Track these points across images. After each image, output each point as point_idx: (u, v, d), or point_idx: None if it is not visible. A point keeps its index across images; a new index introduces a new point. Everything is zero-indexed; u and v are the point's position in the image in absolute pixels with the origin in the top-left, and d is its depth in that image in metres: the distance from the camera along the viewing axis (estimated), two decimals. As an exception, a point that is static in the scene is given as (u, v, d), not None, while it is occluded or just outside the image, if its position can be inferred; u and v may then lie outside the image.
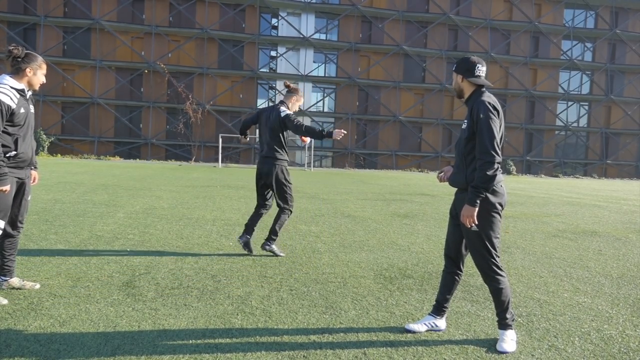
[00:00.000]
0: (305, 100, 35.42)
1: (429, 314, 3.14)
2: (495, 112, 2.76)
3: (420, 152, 37.18)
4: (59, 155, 32.13)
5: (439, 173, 3.19)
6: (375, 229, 7.12)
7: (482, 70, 2.91)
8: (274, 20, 36.65)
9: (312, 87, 36.29)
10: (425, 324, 3.08)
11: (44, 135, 31.61)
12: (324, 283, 4.08)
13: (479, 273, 4.60)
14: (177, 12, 34.18)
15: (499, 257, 2.88)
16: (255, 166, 5.25)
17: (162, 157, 34.29)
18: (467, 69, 2.91)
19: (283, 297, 3.65)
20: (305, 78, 35.27)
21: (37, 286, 3.59)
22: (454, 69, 2.98)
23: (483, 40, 37.04)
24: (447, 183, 3.37)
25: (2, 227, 3.23)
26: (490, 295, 3.92)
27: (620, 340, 3.08)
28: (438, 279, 4.35)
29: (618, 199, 15.22)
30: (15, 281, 3.52)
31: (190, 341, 2.77)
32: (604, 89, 38.69)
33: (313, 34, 35.68)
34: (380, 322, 3.22)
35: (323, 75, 36.53)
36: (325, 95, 36.58)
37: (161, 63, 33.20)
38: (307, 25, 35.70)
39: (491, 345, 2.89)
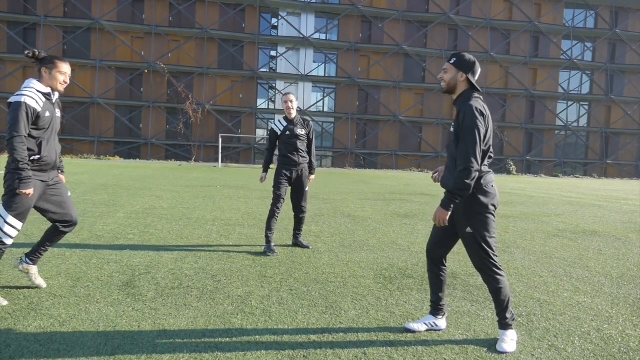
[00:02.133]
0: (306, 100, 35.43)
1: (429, 314, 3.15)
2: (481, 119, 2.74)
3: (421, 152, 37.17)
4: (59, 155, 32.11)
5: (434, 173, 3.21)
6: (375, 229, 7.12)
7: (478, 74, 2.93)
8: (274, 20, 36.64)
9: (312, 87, 36.28)
10: (425, 323, 3.09)
11: (44, 135, 31.62)
12: (324, 283, 4.08)
13: (479, 273, 4.62)
14: (177, 12, 34.18)
15: (497, 256, 2.89)
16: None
17: (162, 157, 34.29)
18: (470, 68, 2.88)
19: (283, 297, 3.65)
20: (305, 78, 35.26)
21: (44, 285, 3.62)
22: (454, 63, 2.88)
23: (483, 40, 37.04)
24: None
25: (20, 228, 3.24)
26: (490, 295, 3.92)
27: (620, 340, 3.08)
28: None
29: (618, 198, 15.22)
30: (33, 270, 3.57)
31: (190, 341, 2.76)
32: (604, 88, 38.68)
33: (313, 34, 35.68)
34: (380, 322, 3.22)
35: (323, 75, 36.52)
36: (325, 95, 36.57)
37: (161, 63, 33.20)
38: (307, 25, 35.70)
39: (491, 345, 2.89)
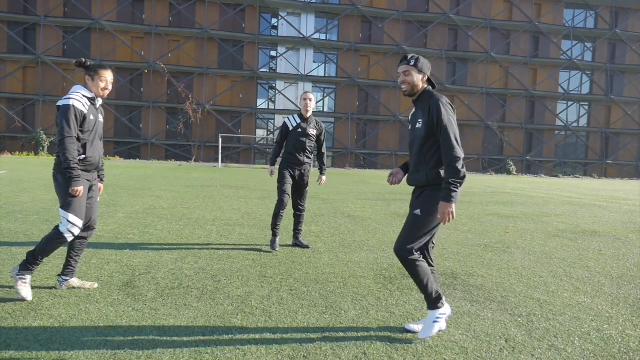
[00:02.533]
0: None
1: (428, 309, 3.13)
2: (452, 111, 2.90)
3: (420, 152, 37.13)
4: (59, 155, 32.11)
5: (390, 176, 3.19)
6: (375, 229, 7.12)
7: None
8: (274, 20, 36.65)
9: (312, 87, 36.29)
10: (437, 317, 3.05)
11: (44, 135, 31.62)
12: (324, 283, 4.08)
13: (479, 273, 4.62)
14: (177, 12, 34.19)
15: (419, 248, 2.96)
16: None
17: (162, 157, 34.29)
18: (428, 67, 3.01)
19: (283, 297, 3.65)
20: (305, 78, 35.27)
21: (96, 285, 3.68)
22: (415, 64, 2.94)
23: (483, 40, 37.04)
24: (397, 185, 3.40)
25: (80, 225, 3.42)
26: (489, 295, 3.92)
27: (620, 340, 3.08)
28: (438, 279, 4.34)
29: (618, 199, 15.22)
30: (75, 281, 3.64)
31: (190, 341, 2.76)
32: (604, 89, 38.69)
33: (313, 34, 35.69)
34: (380, 322, 3.21)
35: (323, 75, 36.53)
36: (325, 95, 36.58)
37: (161, 63, 33.20)
38: (307, 25, 35.71)
39: (491, 345, 2.89)
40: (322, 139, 5.63)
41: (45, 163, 22.92)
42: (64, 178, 3.35)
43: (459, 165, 2.76)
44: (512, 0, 37.40)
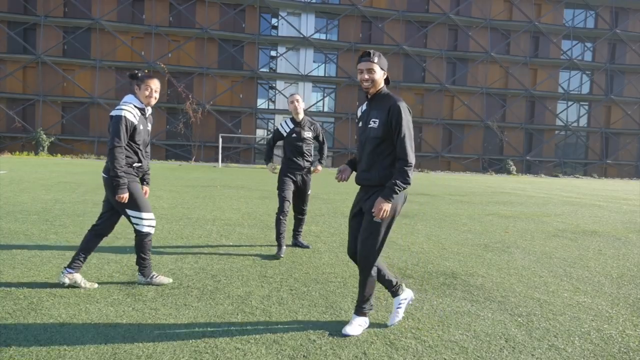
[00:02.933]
0: (306, 100, 35.42)
1: (355, 314, 3.07)
2: (410, 114, 2.93)
3: (420, 152, 37.16)
4: (59, 155, 32.13)
5: (338, 174, 3.17)
6: (375, 229, 7.11)
7: None
8: (274, 20, 36.64)
9: (312, 87, 36.29)
10: (358, 325, 3.02)
11: (44, 135, 31.62)
12: (324, 283, 4.08)
13: (479, 273, 4.62)
14: (177, 12, 34.19)
15: (380, 252, 3.00)
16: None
17: (162, 157, 34.29)
18: (386, 64, 3.01)
19: (283, 297, 3.65)
20: (305, 78, 35.27)
21: (96, 285, 3.75)
22: (379, 62, 2.93)
23: (483, 40, 37.04)
24: (345, 182, 3.41)
25: (153, 217, 3.76)
26: (489, 295, 3.92)
27: (620, 340, 3.08)
28: (438, 279, 4.35)
29: (618, 199, 15.22)
30: (77, 277, 3.69)
31: (190, 341, 2.77)
32: (604, 88, 38.69)
33: (313, 34, 35.68)
34: (380, 322, 3.22)
35: (323, 75, 36.53)
36: (325, 95, 36.58)
37: (161, 63, 33.20)
38: (307, 25, 35.70)
39: (491, 344, 2.89)
40: (321, 139, 5.55)
41: (45, 163, 22.93)
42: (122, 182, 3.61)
43: (410, 171, 2.85)
44: (512, 0, 37.40)
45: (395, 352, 2.73)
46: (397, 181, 2.83)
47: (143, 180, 3.95)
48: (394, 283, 3.20)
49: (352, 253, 3.12)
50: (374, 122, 2.91)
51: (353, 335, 2.92)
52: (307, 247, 5.54)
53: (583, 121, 39.52)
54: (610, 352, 2.86)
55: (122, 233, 5.92)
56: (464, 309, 3.55)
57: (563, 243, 6.57)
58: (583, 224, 8.68)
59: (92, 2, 33.40)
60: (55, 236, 5.55)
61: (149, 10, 34.05)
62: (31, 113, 33.20)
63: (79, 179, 14.07)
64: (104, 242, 5.36)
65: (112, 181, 3.54)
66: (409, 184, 2.86)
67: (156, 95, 3.73)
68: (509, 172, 35.93)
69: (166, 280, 3.85)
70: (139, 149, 3.68)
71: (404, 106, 2.87)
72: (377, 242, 2.93)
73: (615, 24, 38.31)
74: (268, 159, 5.53)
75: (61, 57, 33.29)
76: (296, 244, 5.60)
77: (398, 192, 2.85)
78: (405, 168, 2.84)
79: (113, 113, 3.58)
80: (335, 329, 3.04)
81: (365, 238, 2.94)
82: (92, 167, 20.94)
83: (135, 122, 3.60)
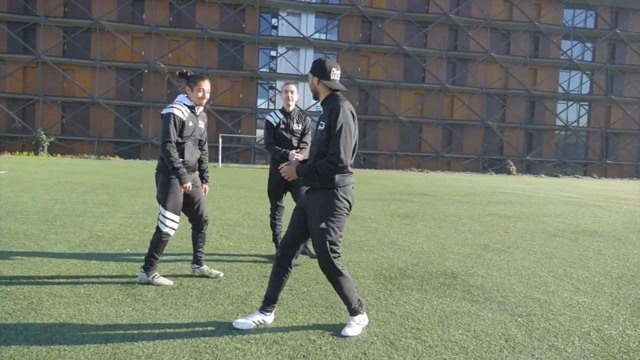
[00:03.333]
0: (306, 100, 35.45)
1: (258, 311, 3.07)
2: (351, 118, 2.90)
3: (420, 152, 37.18)
4: (59, 155, 32.13)
5: (280, 167, 3.16)
6: (375, 229, 7.12)
7: (336, 74, 3.01)
8: (274, 20, 36.65)
9: (312, 87, 36.25)
10: (253, 320, 3.02)
11: (44, 135, 31.62)
12: (324, 283, 4.08)
13: (479, 273, 4.62)
14: (177, 12, 34.19)
15: (339, 255, 2.95)
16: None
17: (162, 157, 34.28)
18: (322, 72, 2.98)
19: (283, 297, 3.65)
20: (306, 78, 35.23)
21: (221, 274, 4.12)
22: (311, 71, 3.02)
23: (483, 40, 37.04)
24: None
25: (178, 220, 3.84)
26: (489, 295, 3.92)
27: (620, 340, 3.08)
28: (438, 279, 4.35)
29: (618, 199, 15.22)
30: (204, 269, 4.12)
31: (190, 341, 2.76)
32: (604, 89, 38.69)
33: (313, 34, 35.69)
34: (380, 322, 3.21)
35: (323, 75, 36.47)
36: (325, 95, 36.53)
37: (161, 63, 33.20)
38: (307, 25, 35.71)
39: (491, 345, 2.89)
40: (307, 132, 5.04)
41: (45, 163, 22.92)
42: (165, 178, 3.76)
43: (335, 171, 2.84)
44: (512, 0, 37.40)
45: (395, 352, 2.73)
46: (318, 170, 2.84)
47: (202, 178, 4.14)
48: (275, 302, 3.10)
49: (286, 249, 3.03)
50: (322, 125, 2.95)
51: (353, 336, 2.93)
52: (314, 256, 5.16)
53: (583, 121, 39.53)
54: (610, 352, 2.86)
55: (121, 233, 5.92)
56: (464, 309, 3.55)
57: (563, 243, 6.57)
58: (583, 224, 8.68)
59: (92, 2, 33.41)
60: (55, 236, 5.55)
61: (149, 10, 34.06)
62: (31, 113, 33.20)
63: (79, 179, 14.07)
64: (104, 242, 5.38)
65: (166, 175, 3.72)
66: (324, 176, 2.84)
67: (207, 95, 3.89)
68: (509, 172, 35.93)
69: (167, 282, 3.85)
70: (185, 144, 3.82)
71: (344, 107, 2.88)
72: (327, 242, 2.89)
73: (615, 24, 38.31)
74: (279, 150, 4.86)
75: (61, 57, 33.29)
76: (305, 252, 5.02)
77: (311, 177, 2.87)
78: (332, 166, 2.82)
79: (164, 111, 3.75)
80: (335, 329, 3.04)
81: (317, 247, 2.93)
82: (92, 167, 20.94)
83: (184, 119, 3.76)
